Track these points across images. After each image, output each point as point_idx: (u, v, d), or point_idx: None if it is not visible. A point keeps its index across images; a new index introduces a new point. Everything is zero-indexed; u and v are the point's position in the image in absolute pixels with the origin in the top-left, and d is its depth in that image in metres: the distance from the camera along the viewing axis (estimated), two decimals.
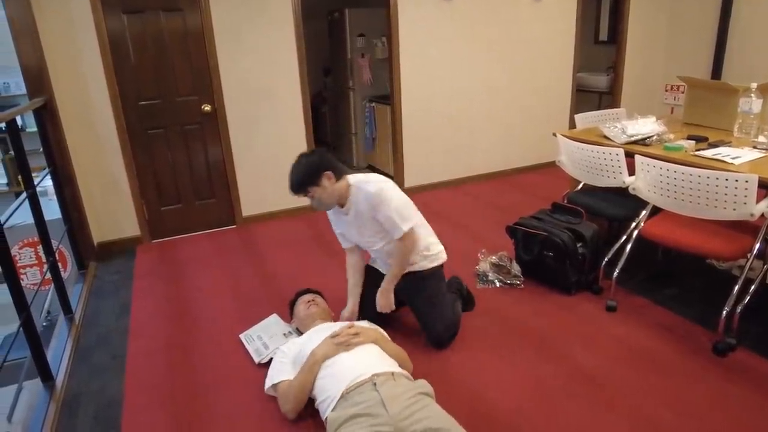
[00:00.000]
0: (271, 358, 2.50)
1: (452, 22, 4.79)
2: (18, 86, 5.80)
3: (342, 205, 2.47)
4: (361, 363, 2.02)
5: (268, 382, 2.26)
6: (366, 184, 2.39)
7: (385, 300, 2.54)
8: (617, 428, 2.04)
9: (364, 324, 2.43)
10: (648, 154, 2.85)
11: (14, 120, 2.77)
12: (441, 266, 2.64)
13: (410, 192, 4.96)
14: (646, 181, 2.77)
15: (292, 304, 2.73)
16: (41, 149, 3.56)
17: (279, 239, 4.14)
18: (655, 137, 3.21)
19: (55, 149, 3.48)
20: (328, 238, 4.07)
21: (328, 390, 1.98)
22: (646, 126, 3.30)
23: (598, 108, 6.61)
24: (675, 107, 5.91)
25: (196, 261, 3.82)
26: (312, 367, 2.08)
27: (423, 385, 1.97)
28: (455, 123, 5.10)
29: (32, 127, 5.43)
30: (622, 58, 5.79)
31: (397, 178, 5.00)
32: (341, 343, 2.11)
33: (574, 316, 2.85)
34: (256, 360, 2.56)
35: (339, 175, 2.38)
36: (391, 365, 2.06)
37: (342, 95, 6.10)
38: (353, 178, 2.44)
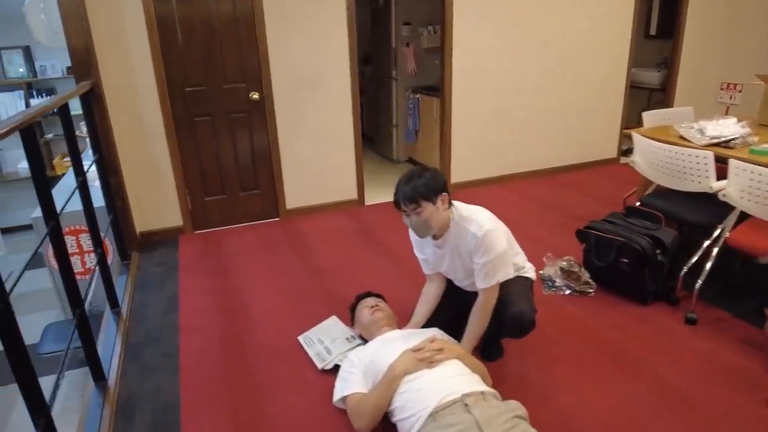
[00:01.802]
0: (336, 365, 2.36)
1: (506, 13, 4.57)
2: (54, 69, 5.70)
3: (436, 237, 2.24)
4: (448, 380, 1.86)
5: (338, 394, 2.11)
6: (471, 223, 2.14)
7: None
8: None
9: (436, 333, 2.27)
10: (738, 158, 2.63)
11: (66, 105, 2.63)
12: (526, 278, 2.40)
13: (457, 188, 4.83)
14: (738, 186, 2.57)
15: (353, 308, 2.57)
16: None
17: (324, 233, 3.99)
18: (739, 139, 3.00)
19: (101, 136, 3.34)
20: (374, 233, 3.93)
21: (413, 408, 1.82)
22: (728, 127, 3.09)
23: (648, 105, 6.37)
24: (731, 106, 5.64)
25: (242, 254, 3.68)
26: (391, 382, 1.92)
27: (517, 407, 1.80)
28: (504, 117, 4.89)
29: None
30: (678, 53, 5.52)
31: (443, 172, 4.78)
32: (424, 359, 1.94)
33: (652, 329, 2.66)
34: (319, 366, 2.41)
35: (450, 204, 2.16)
36: (478, 383, 1.90)
37: (383, 85, 5.92)
38: (456, 211, 2.18)
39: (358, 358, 2.16)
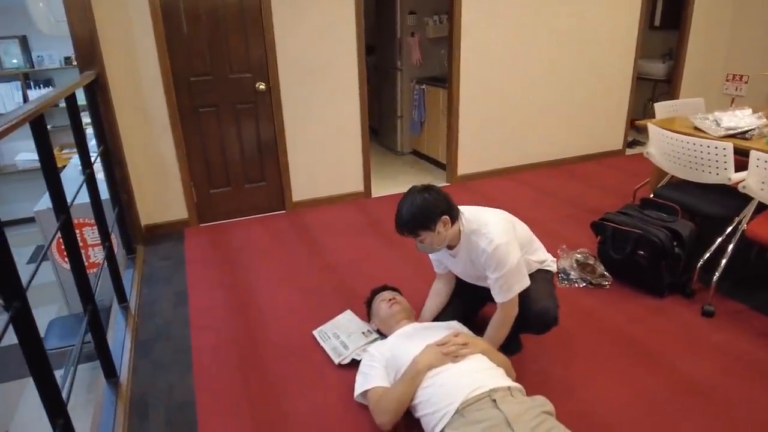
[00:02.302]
0: (353, 360, 2.32)
1: (514, 3, 4.50)
2: (51, 59, 5.59)
3: (451, 247, 2.18)
4: (474, 375, 1.82)
5: (359, 389, 2.06)
6: (481, 237, 2.04)
7: None
8: None
9: (456, 326, 2.23)
10: (758, 149, 2.59)
11: (74, 95, 2.56)
12: (547, 271, 2.35)
13: (465, 179, 4.79)
14: (759, 178, 2.53)
15: (369, 303, 2.53)
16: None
17: (332, 226, 3.94)
18: (755, 131, 2.97)
19: (106, 127, 3.27)
20: (383, 226, 3.88)
21: (438, 403, 1.79)
22: (744, 119, 3.06)
23: (653, 96, 6.35)
24: (736, 98, 5.63)
25: (249, 247, 3.63)
26: (415, 377, 1.88)
27: (544, 402, 1.77)
28: (512, 108, 4.84)
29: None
30: (684, 45, 5.48)
31: (451, 165, 4.77)
32: (449, 354, 1.90)
33: (669, 322, 2.64)
34: (336, 361, 2.37)
35: (454, 219, 2.07)
36: (504, 378, 1.87)
37: (387, 76, 5.84)
38: (466, 223, 2.10)
39: (379, 352, 2.11)
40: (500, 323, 2.12)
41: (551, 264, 2.37)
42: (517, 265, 2.03)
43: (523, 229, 2.29)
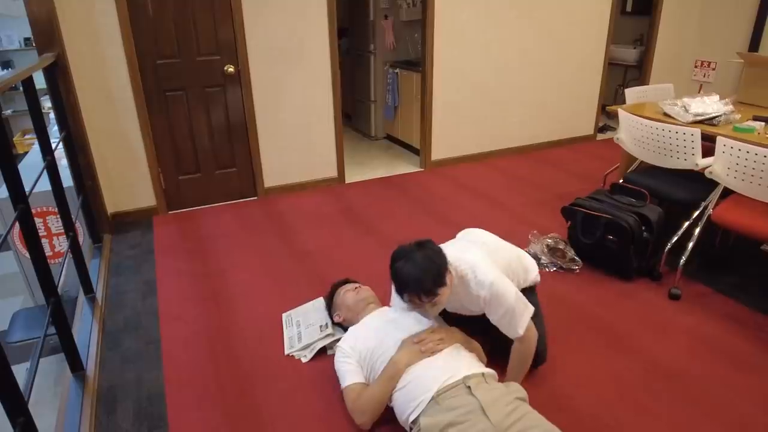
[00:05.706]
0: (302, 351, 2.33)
1: None
2: (10, 40, 5.37)
3: None
4: (449, 364, 1.83)
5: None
6: (469, 282, 1.91)
7: None
8: None
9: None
10: (723, 135, 2.64)
11: (31, 78, 2.45)
12: (532, 288, 2.30)
13: (437, 165, 4.78)
14: (725, 164, 2.58)
15: (331, 297, 2.46)
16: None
17: (306, 213, 3.89)
18: (722, 117, 3.02)
19: (68, 111, 3.15)
20: (357, 212, 3.86)
21: (413, 392, 1.79)
22: (712, 105, 3.10)
23: (623, 82, 6.41)
24: (704, 84, 5.72)
25: (220, 235, 3.56)
26: (394, 376, 1.86)
27: (518, 389, 1.79)
28: (486, 93, 4.83)
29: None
30: (655, 31, 5.53)
31: (424, 150, 4.75)
32: (427, 350, 1.89)
33: (637, 305, 2.69)
34: (286, 351, 2.37)
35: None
36: (478, 365, 1.88)
37: (361, 59, 5.77)
38: (453, 270, 1.91)
39: (350, 347, 2.06)
40: (525, 356, 2.00)
41: (536, 277, 2.30)
42: (516, 295, 1.90)
43: (504, 251, 2.18)
